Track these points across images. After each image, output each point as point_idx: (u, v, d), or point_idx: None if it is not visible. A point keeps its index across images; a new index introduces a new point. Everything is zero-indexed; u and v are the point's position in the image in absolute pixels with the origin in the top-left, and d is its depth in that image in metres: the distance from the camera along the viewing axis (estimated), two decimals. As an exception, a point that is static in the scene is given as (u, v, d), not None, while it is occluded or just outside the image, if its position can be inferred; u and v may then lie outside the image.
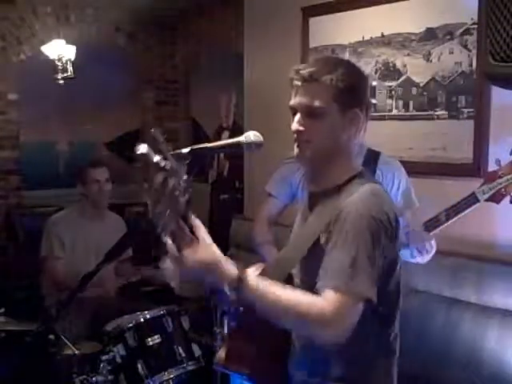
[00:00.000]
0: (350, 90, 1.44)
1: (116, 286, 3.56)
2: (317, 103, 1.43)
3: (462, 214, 2.18)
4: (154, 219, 1.27)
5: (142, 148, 1.29)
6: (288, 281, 1.48)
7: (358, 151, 2.35)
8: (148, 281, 3.86)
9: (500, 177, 2.13)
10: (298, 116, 1.47)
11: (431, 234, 2.23)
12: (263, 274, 1.50)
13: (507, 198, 2.13)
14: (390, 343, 1.51)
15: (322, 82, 1.43)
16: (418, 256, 2.27)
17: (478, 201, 2.15)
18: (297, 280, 1.53)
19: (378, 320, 1.45)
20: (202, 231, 1.38)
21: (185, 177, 1.30)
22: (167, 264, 1.34)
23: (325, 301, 1.31)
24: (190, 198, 1.31)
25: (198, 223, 1.37)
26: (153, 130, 1.31)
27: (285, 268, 1.54)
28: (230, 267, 1.37)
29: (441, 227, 2.22)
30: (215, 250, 1.38)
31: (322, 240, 1.42)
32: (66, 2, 5.56)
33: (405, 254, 2.30)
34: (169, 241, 1.33)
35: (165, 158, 1.28)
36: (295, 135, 1.48)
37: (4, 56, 5.34)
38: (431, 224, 2.22)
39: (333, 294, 1.31)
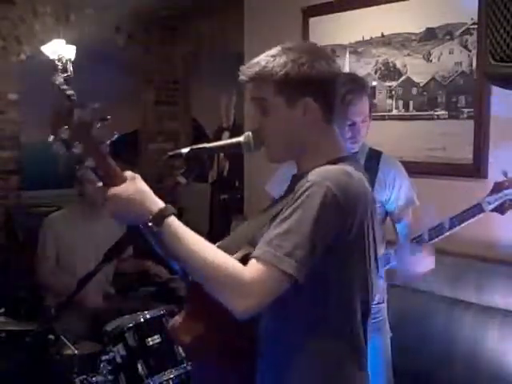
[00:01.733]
0: (291, 81, 1.36)
1: (106, 295, 3.53)
2: (259, 98, 1.40)
3: (466, 223, 2.18)
4: (53, 145, 1.24)
5: (56, 78, 1.29)
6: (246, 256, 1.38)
7: (359, 151, 2.36)
8: (148, 275, 3.83)
9: (507, 188, 2.13)
10: (253, 113, 1.44)
11: (434, 240, 2.23)
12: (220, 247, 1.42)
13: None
14: (352, 336, 1.38)
15: (261, 78, 1.38)
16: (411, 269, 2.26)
17: (484, 211, 2.15)
18: None
19: (333, 309, 1.35)
20: (132, 174, 1.31)
21: (107, 120, 1.26)
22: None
23: (246, 269, 1.24)
24: (110, 140, 1.26)
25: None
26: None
27: (240, 239, 1.44)
28: (155, 201, 1.29)
29: (444, 235, 2.22)
30: (142, 185, 1.30)
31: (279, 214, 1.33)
32: (66, 2, 5.56)
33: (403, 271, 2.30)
34: (92, 174, 1.30)
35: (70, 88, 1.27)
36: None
37: (4, 56, 5.34)
38: (435, 231, 2.23)
39: (255, 264, 1.24)
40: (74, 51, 5.20)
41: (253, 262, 1.25)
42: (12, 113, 5.42)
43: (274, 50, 1.42)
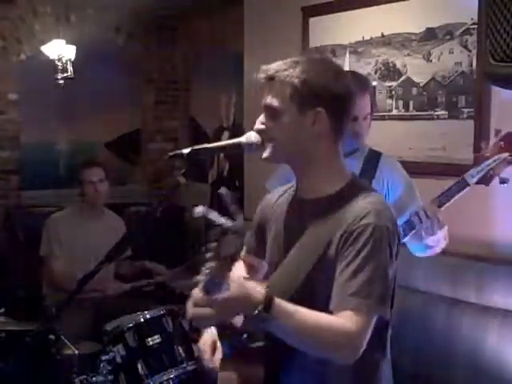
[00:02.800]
0: (306, 88, 1.37)
1: (118, 291, 3.54)
2: (273, 102, 1.41)
3: (454, 198, 2.16)
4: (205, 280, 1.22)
5: (200, 209, 1.27)
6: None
7: (360, 150, 2.36)
8: (148, 274, 3.83)
9: (487, 158, 2.13)
10: (261, 116, 1.45)
11: (422, 224, 2.22)
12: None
13: (496, 180, 2.13)
14: (387, 347, 1.51)
15: (279, 80, 1.39)
16: (431, 242, 2.24)
17: (469, 184, 2.14)
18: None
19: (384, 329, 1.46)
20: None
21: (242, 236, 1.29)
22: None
23: (348, 322, 1.30)
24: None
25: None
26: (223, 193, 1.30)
27: (290, 284, 1.46)
28: (257, 290, 1.30)
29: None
30: (241, 279, 1.33)
31: (330, 254, 1.38)
32: (66, 1, 5.55)
33: (416, 249, 2.30)
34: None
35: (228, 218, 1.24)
36: (258, 134, 1.46)
37: (4, 56, 5.34)
38: (423, 214, 2.22)
39: (353, 315, 1.30)
40: (74, 51, 5.21)
41: (348, 313, 1.31)
42: (12, 113, 5.42)
43: (296, 58, 1.44)
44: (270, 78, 1.41)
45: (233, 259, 1.25)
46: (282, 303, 1.30)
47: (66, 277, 3.32)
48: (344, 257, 1.35)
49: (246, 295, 1.28)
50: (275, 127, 1.42)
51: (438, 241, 2.24)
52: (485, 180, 2.13)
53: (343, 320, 1.30)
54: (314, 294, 1.40)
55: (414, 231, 2.22)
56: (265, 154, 1.45)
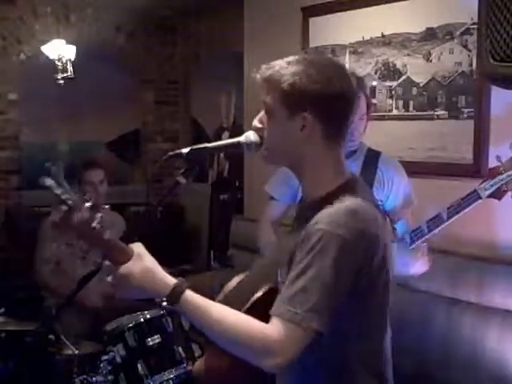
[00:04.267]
0: (296, 92, 1.33)
1: (107, 296, 3.53)
2: (268, 101, 1.39)
3: (464, 211, 2.17)
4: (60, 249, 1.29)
5: (47, 181, 1.28)
6: (270, 293, 1.40)
7: (358, 151, 2.36)
8: None
9: (501, 173, 2.12)
10: (261, 113, 1.43)
11: (434, 232, 2.22)
12: (241, 285, 1.45)
13: (508, 194, 2.12)
14: (378, 367, 1.40)
15: (272, 80, 1.37)
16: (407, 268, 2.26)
17: (480, 198, 2.14)
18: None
19: (357, 345, 1.36)
20: (138, 249, 1.32)
21: (101, 213, 1.29)
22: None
23: (269, 328, 1.24)
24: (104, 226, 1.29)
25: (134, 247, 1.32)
26: (52, 166, 1.30)
27: (265, 278, 1.46)
28: (166, 278, 1.29)
29: (443, 225, 2.21)
30: (150, 261, 1.30)
31: (294, 258, 1.33)
32: (66, 2, 5.56)
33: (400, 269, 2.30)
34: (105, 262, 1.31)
35: (67, 193, 1.28)
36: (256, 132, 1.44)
37: (4, 56, 5.34)
38: (433, 223, 2.21)
39: (278, 322, 1.24)
40: (74, 51, 5.21)
41: (276, 321, 1.25)
42: (12, 113, 5.42)
43: (292, 58, 1.39)
44: (264, 80, 1.40)
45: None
46: (193, 299, 1.27)
47: (53, 285, 3.34)
48: (294, 262, 1.30)
49: (151, 279, 1.28)
50: (269, 128, 1.41)
51: (418, 267, 2.26)
52: (497, 195, 2.13)
53: (267, 327, 1.25)
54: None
55: (424, 237, 2.23)
56: (261, 153, 1.45)
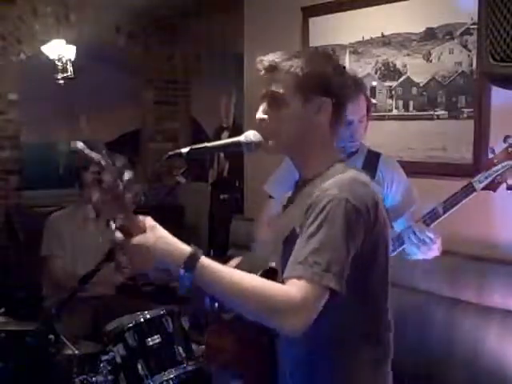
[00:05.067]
0: (311, 78, 1.41)
1: (115, 284, 3.55)
2: (277, 91, 1.42)
3: (460, 204, 2.17)
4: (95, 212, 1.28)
5: (78, 144, 1.26)
6: (268, 273, 1.43)
7: (358, 152, 2.36)
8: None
9: (495, 164, 2.12)
10: (262, 105, 1.46)
11: (430, 226, 2.22)
12: (239, 266, 1.45)
13: (503, 186, 2.13)
14: (379, 340, 1.44)
15: (281, 70, 1.41)
16: (419, 253, 2.26)
17: (475, 190, 2.14)
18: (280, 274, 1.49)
19: (361, 315, 1.40)
20: (150, 223, 1.31)
21: (128, 174, 1.26)
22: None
23: (291, 289, 1.26)
24: (137, 194, 1.27)
25: (147, 220, 1.31)
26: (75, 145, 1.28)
27: (260, 260, 1.50)
28: (182, 246, 1.29)
29: (439, 219, 2.21)
30: (163, 232, 1.30)
31: (297, 229, 1.37)
32: (66, 2, 5.56)
33: (411, 252, 2.30)
34: (118, 233, 1.28)
35: (98, 154, 1.26)
36: (259, 125, 1.46)
37: (4, 56, 5.34)
38: (429, 217, 2.22)
39: (298, 283, 1.26)
40: (74, 51, 5.21)
41: (294, 281, 1.27)
42: (12, 113, 5.42)
43: (293, 51, 1.46)
44: (273, 68, 1.43)
45: (121, 198, 1.24)
46: (210, 264, 1.27)
47: (68, 275, 3.31)
48: (304, 227, 1.34)
49: (165, 247, 1.27)
50: (278, 117, 1.43)
51: (430, 254, 2.26)
52: (492, 186, 2.13)
53: (288, 287, 1.27)
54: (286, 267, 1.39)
55: (403, 247, 2.24)
56: (268, 145, 1.45)
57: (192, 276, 1.25)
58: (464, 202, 2.17)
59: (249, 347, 1.43)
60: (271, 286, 1.28)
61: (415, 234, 2.20)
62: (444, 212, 2.19)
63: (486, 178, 2.13)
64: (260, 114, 1.45)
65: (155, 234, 1.28)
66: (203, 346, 1.57)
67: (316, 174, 1.44)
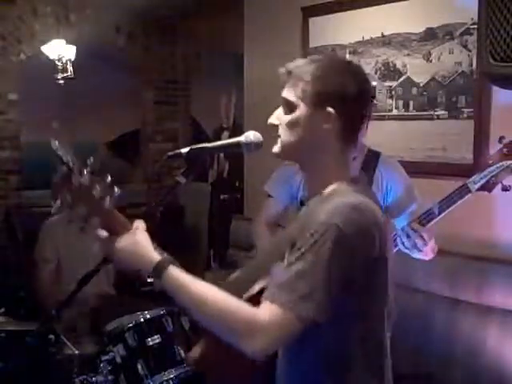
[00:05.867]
0: (320, 86, 1.36)
1: (99, 298, 3.53)
2: (287, 96, 1.40)
3: (455, 205, 2.17)
4: (56, 209, 1.30)
5: (52, 143, 1.32)
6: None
7: (358, 152, 2.36)
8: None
9: (490, 165, 2.12)
10: (278, 110, 1.44)
11: (426, 227, 2.22)
12: (235, 283, 1.45)
13: (499, 186, 2.12)
14: (378, 364, 1.39)
15: (295, 77, 1.39)
16: (415, 255, 2.26)
17: (470, 191, 2.14)
18: None
19: (358, 337, 1.35)
20: (137, 221, 1.37)
21: (107, 179, 1.32)
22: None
23: (259, 310, 1.23)
24: (114, 197, 1.33)
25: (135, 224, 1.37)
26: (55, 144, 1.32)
27: (255, 277, 1.47)
28: (154, 254, 1.33)
29: (435, 220, 2.21)
30: (139, 237, 1.35)
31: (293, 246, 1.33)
32: (66, 2, 5.56)
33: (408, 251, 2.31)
34: (102, 232, 1.35)
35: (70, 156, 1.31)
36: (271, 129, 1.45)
37: (4, 56, 5.34)
38: (425, 218, 2.22)
39: (269, 305, 1.23)
40: (74, 51, 5.21)
41: (266, 304, 1.25)
42: (12, 113, 5.42)
43: (315, 56, 1.44)
44: (289, 73, 1.42)
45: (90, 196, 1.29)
46: (176, 275, 1.30)
47: (52, 286, 3.34)
48: (293, 249, 1.30)
49: (136, 253, 1.33)
50: (288, 122, 1.41)
51: (425, 254, 2.26)
52: (487, 187, 2.13)
53: (256, 309, 1.24)
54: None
55: (396, 249, 2.24)
56: (274, 149, 1.45)
57: (159, 283, 1.30)
58: (459, 202, 2.16)
59: (245, 362, 1.42)
60: (236, 304, 1.26)
61: (408, 237, 2.20)
62: (439, 213, 2.19)
63: (481, 178, 2.13)
64: (271, 119, 1.44)
65: (131, 238, 1.34)
66: (196, 350, 1.55)
67: (318, 192, 1.40)
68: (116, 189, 1.32)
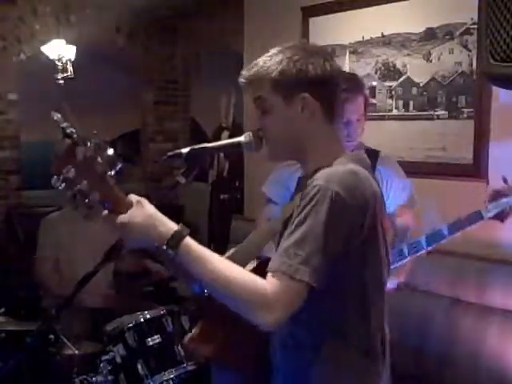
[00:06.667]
0: (287, 77, 1.37)
1: (99, 298, 3.52)
2: (258, 96, 1.41)
3: (464, 229, 2.17)
4: (57, 185, 1.19)
5: (55, 115, 1.22)
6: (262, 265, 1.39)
7: (356, 149, 2.36)
8: (149, 273, 3.82)
9: (506, 195, 2.12)
10: (256, 114, 1.45)
11: (431, 247, 2.22)
12: (233, 257, 1.44)
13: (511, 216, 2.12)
14: (368, 341, 1.38)
15: (259, 77, 1.41)
16: None
17: (483, 218, 2.14)
18: None
19: (352, 311, 1.35)
20: (138, 199, 1.30)
21: (109, 151, 1.23)
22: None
23: (266, 282, 1.24)
24: (120, 171, 1.25)
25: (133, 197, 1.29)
26: (55, 114, 1.23)
27: (253, 250, 1.48)
28: (168, 224, 1.27)
29: (443, 241, 2.21)
30: (151, 209, 1.28)
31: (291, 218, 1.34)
32: (66, 2, 5.56)
33: None
34: (104, 211, 1.26)
35: (73, 128, 1.22)
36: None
37: (4, 56, 5.33)
38: (433, 238, 2.21)
39: (274, 276, 1.25)
40: (74, 51, 5.21)
41: (271, 275, 1.26)
42: (12, 113, 5.42)
43: (273, 50, 1.44)
44: (250, 80, 1.43)
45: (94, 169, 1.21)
46: (194, 246, 1.26)
47: (55, 279, 3.34)
48: (292, 219, 1.31)
49: (152, 225, 1.26)
50: (268, 123, 1.42)
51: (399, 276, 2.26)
52: (500, 216, 2.13)
53: (264, 282, 1.25)
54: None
55: (402, 261, 2.23)
56: (266, 154, 1.45)
57: (175, 254, 1.25)
58: (469, 228, 2.16)
59: (241, 341, 1.42)
60: (250, 278, 1.26)
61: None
62: (449, 235, 2.19)
63: (496, 207, 2.13)
64: (254, 125, 1.45)
65: (143, 210, 1.27)
66: (192, 334, 1.53)
67: (317, 169, 1.39)
68: (119, 162, 1.25)
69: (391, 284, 2.23)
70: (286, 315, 1.25)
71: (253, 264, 1.44)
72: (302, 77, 1.37)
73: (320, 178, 1.30)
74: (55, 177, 1.20)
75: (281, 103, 1.39)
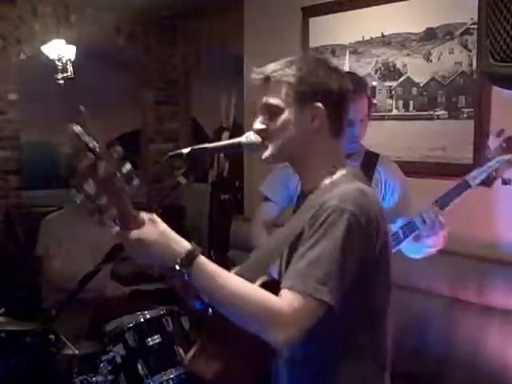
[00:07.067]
0: (303, 85, 1.39)
1: (116, 293, 3.53)
2: (272, 101, 1.42)
3: (455, 200, 2.16)
4: (75, 198, 1.18)
5: (75, 127, 1.22)
6: (267, 285, 1.39)
7: (357, 152, 2.36)
8: (149, 273, 3.82)
9: (489, 160, 2.12)
10: (260, 116, 1.46)
11: (425, 225, 2.20)
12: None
13: (499, 181, 2.12)
14: (378, 356, 1.41)
15: (275, 80, 1.41)
16: (431, 242, 2.22)
17: (470, 186, 2.13)
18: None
19: (359, 330, 1.38)
20: (150, 216, 1.29)
21: (127, 166, 1.24)
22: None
23: (282, 300, 1.25)
24: (138, 187, 1.24)
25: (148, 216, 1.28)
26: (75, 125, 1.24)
27: (260, 269, 1.48)
28: (181, 242, 1.28)
29: (437, 222, 2.20)
30: (164, 227, 1.28)
31: (301, 239, 1.35)
32: (66, 2, 5.56)
33: (413, 250, 2.29)
34: (116, 227, 1.25)
35: (96, 141, 1.21)
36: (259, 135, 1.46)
37: (4, 56, 5.33)
38: (442, 202, 2.20)
39: (290, 295, 1.25)
40: (74, 51, 5.21)
41: (286, 292, 1.26)
42: (12, 113, 5.42)
43: (292, 57, 1.46)
44: (266, 79, 1.43)
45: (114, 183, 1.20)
46: (207, 264, 1.26)
47: (64, 275, 3.31)
48: (303, 238, 1.32)
49: (165, 243, 1.26)
50: (275, 126, 1.42)
51: (438, 241, 2.24)
52: (487, 182, 2.12)
53: (278, 299, 1.25)
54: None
55: (415, 232, 2.21)
56: (265, 154, 1.45)
57: (188, 273, 1.24)
58: (459, 198, 2.15)
59: (241, 360, 1.42)
60: (264, 295, 1.26)
61: (424, 222, 2.16)
62: (441, 208, 2.18)
63: (481, 174, 2.12)
64: (258, 125, 1.45)
65: (156, 227, 1.26)
66: (191, 354, 1.53)
67: (319, 184, 1.42)
68: (136, 179, 1.24)
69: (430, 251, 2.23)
70: (299, 333, 1.25)
71: (262, 279, 1.44)
72: (318, 88, 1.40)
73: (333, 198, 1.31)
74: (74, 190, 1.19)
75: (293, 109, 1.41)
